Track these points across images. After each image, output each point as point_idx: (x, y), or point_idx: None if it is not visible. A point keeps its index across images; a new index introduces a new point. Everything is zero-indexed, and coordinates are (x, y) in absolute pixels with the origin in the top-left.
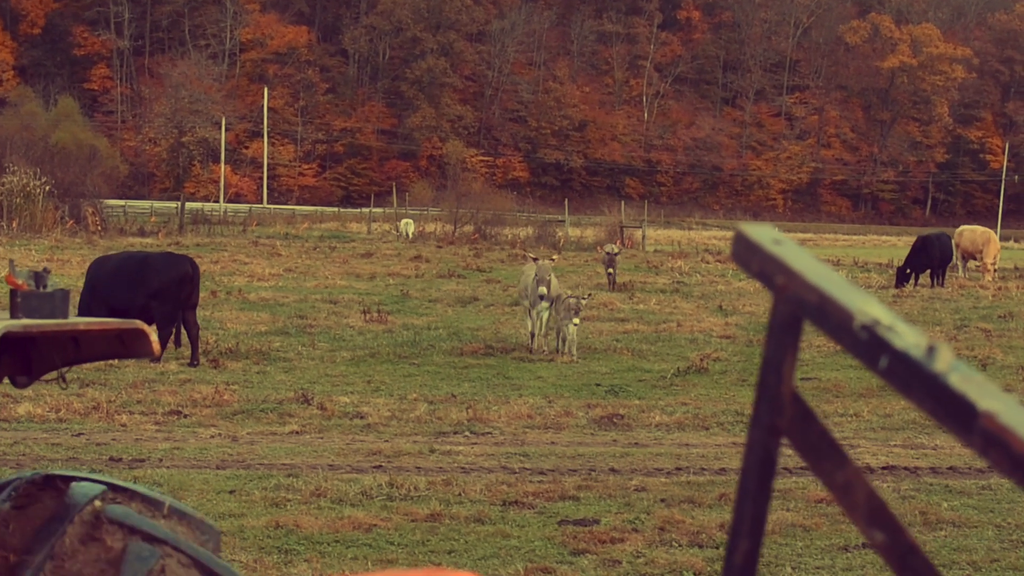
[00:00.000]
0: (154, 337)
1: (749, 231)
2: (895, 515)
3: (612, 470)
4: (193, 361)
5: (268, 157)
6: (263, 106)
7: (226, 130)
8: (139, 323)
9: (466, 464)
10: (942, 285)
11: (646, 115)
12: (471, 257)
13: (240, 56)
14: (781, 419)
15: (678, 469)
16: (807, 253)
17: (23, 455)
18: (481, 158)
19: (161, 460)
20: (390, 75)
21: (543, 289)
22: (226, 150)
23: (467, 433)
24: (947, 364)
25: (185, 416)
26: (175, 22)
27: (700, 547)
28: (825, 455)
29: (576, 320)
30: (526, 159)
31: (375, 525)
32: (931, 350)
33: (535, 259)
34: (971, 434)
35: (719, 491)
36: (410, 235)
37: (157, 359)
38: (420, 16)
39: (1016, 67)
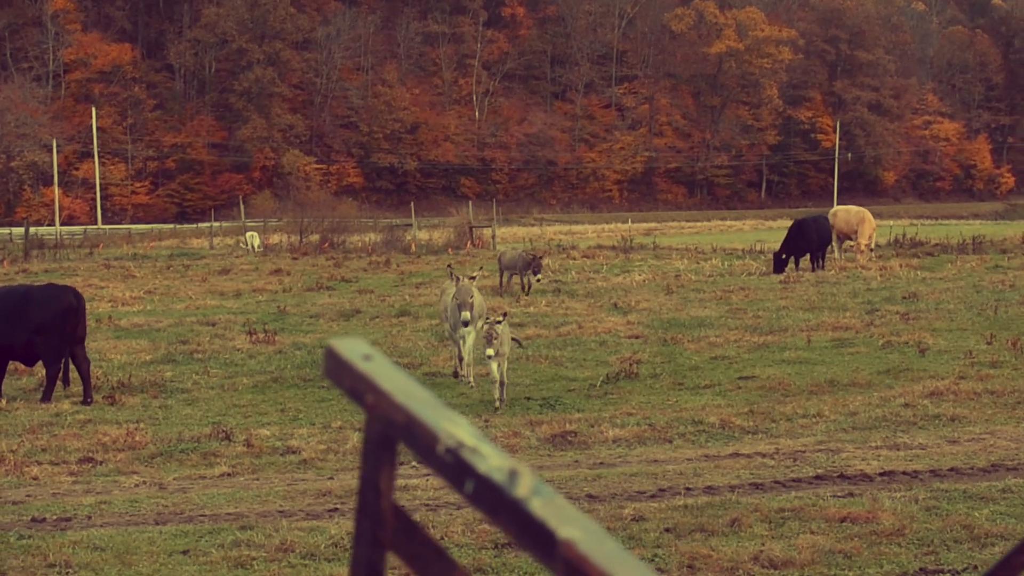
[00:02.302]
0: None
1: (339, 347)
2: None
3: (590, 496)
4: (86, 399)
5: (100, 177)
6: (92, 126)
7: (56, 152)
8: None
9: (429, 500)
10: (823, 268)
11: (477, 114)
12: (331, 268)
13: (65, 77)
14: (384, 533)
15: (662, 491)
16: (398, 370)
17: None
18: (315, 166)
19: (90, 518)
20: (218, 88)
21: (466, 314)
22: (57, 173)
23: (413, 463)
24: (528, 489)
25: (100, 463)
26: None
27: None
28: (432, 564)
29: (490, 351)
30: (360, 164)
31: None
32: (513, 474)
33: (457, 278)
34: (553, 561)
35: (726, 515)
36: (255, 248)
37: (48, 399)
38: (245, 27)
39: (841, 46)
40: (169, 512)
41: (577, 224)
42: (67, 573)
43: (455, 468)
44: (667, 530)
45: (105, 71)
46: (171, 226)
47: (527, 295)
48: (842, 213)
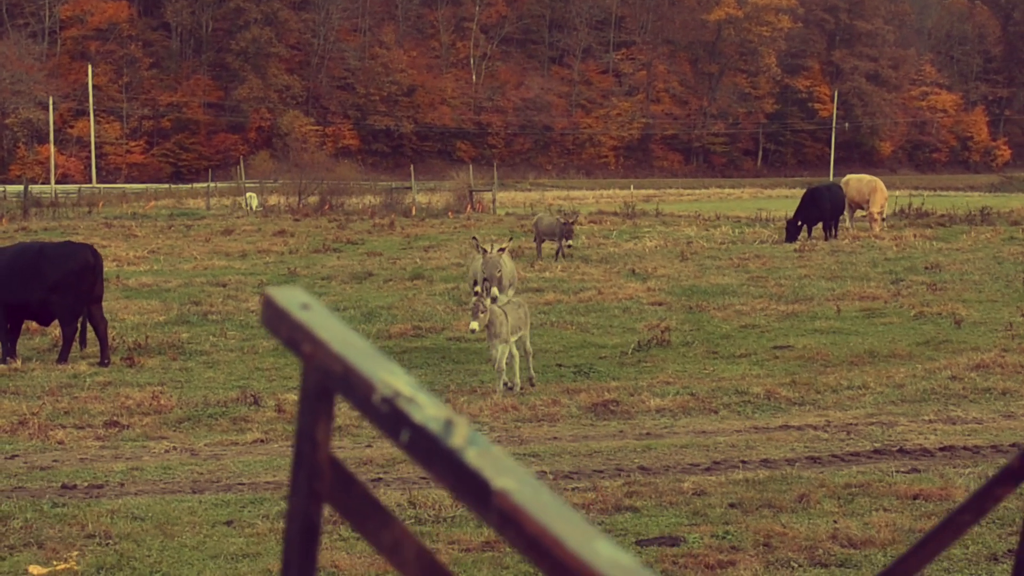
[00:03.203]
0: None
1: (277, 296)
2: (445, 566)
3: (643, 468)
4: (103, 360)
5: (95, 136)
6: (87, 84)
7: (52, 110)
8: None
9: None
10: (836, 237)
11: (474, 77)
12: (335, 230)
13: (61, 34)
14: (320, 485)
15: (716, 464)
16: (336, 319)
17: None
18: (311, 127)
19: (123, 485)
20: (214, 47)
21: (495, 291)
22: (53, 130)
23: None
24: (463, 439)
25: (126, 427)
26: None
27: (824, 567)
28: (369, 516)
29: (474, 325)
30: (356, 127)
31: None
32: (448, 424)
33: (484, 250)
34: (488, 511)
35: (792, 491)
36: (254, 208)
37: (64, 360)
38: None
39: (841, 15)
40: (205, 480)
41: (575, 190)
42: (107, 544)
43: (391, 418)
44: (732, 505)
45: (101, 28)
46: (166, 186)
47: (563, 260)
48: (854, 182)
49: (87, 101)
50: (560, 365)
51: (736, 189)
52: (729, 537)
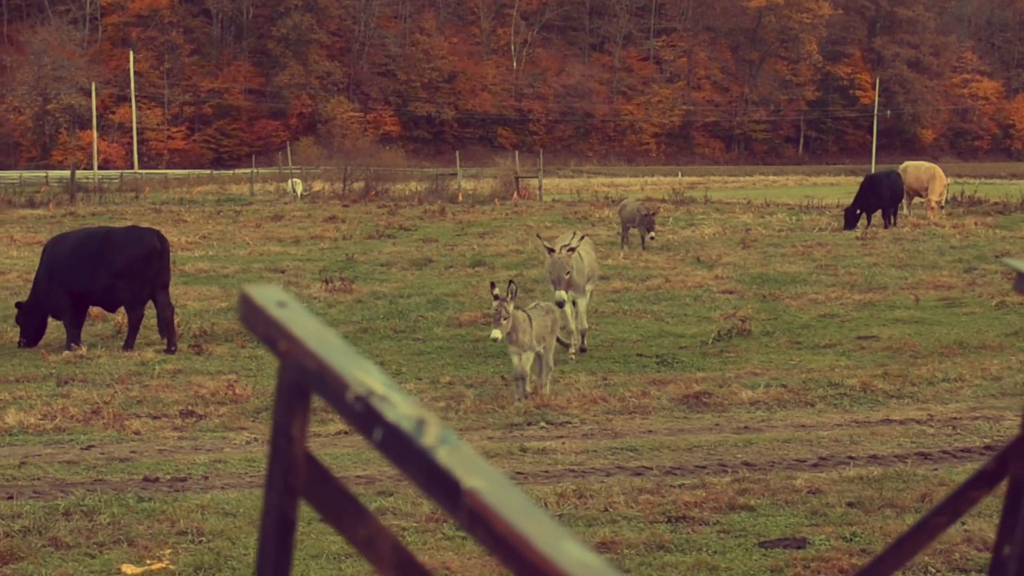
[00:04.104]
0: None
1: (254, 293)
2: (421, 562)
3: (747, 464)
4: (170, 348)
5: (136, 121)
6: (128, 70)
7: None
8: None
9: (573, 466)
10: (895, 225)
11: (515, 64)
12: (386, 216)
13: (102, 20)
14: (296, 480)
15: (823, 460)
16: (312, 317)
17: (38, 479)
18: (352, 113)
19: (207, 478)
20: (255, 33)
21: (561, 294)
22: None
23: (543, 424)
24: (435, 438)
25: (203, 417)
26: None
27: (963, 572)
28: (345, 512)
29: (496, 333)
30: (397, 113)
31: None
32: (420, 423)
33: (550, 250)
34: (458, 510)
35: (911, 489)
36: (299, 194)
37: (130, 347)
38: None
39: (881, 2)
40: None
41: (618, 176)
42: (200, 541)
43: (364, 416)
44: (851, 504)
45: (142, 15)
46: (208, 172)
47: (646, 250)
48: (912, 169)
49: (128, 87)
50: (640, 355)
51: (780, 176)
52: (857, 539)
